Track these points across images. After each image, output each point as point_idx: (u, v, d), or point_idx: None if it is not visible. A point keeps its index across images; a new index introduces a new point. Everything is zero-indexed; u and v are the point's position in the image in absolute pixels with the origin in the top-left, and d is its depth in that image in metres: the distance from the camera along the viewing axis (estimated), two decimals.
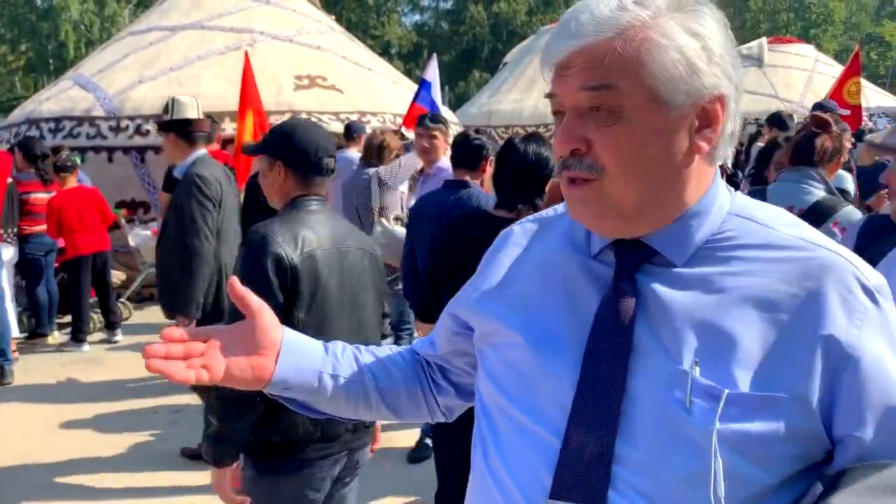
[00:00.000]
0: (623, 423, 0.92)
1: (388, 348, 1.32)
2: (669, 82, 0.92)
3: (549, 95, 0.99)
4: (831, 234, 2.67)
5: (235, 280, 1.10)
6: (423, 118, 4.63)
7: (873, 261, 1.26)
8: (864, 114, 9.12)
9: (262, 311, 1.12)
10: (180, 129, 3.92)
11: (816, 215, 2.76)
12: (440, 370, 1.28)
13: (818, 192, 2.90)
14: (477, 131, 4.08)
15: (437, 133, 4.53)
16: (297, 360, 1.16)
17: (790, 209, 2.74)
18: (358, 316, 2.29)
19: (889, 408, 0.90)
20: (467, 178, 3.61)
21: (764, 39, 17.08)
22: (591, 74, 0.92)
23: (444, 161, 4.48)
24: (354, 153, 6.49)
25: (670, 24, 0.92)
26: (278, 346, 1.14)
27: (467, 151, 3.62)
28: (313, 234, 2.20)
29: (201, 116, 4.06)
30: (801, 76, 15.77)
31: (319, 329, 2.11)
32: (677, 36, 0.92)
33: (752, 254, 0.96)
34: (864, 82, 11.22)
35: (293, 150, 2.25)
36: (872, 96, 15.64)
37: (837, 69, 14.03)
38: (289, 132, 2.29)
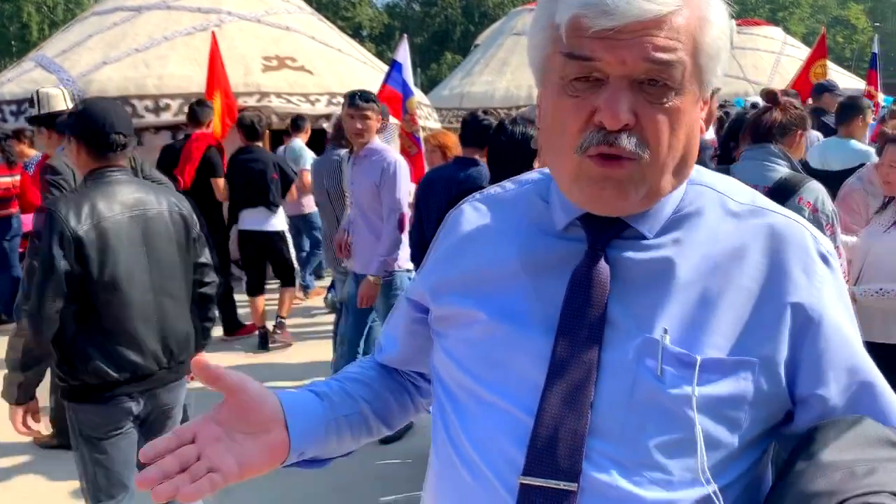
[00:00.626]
0: (596, 395, 0.91)
1: (359, 367, 1.25)
2: (713, 62, 0.91)
3: (579, 57, 0.87)
4: (799, 210, 2.68)
5: (201, 358, 0.95)
6: (353, 97, 4.25)
7: None
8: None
9: (246, 384, 0.98)
10: (51, 122, 3.97)
11: (782, 192, 2.75)
12: (415, 374, 1.26)
13: (781, 169, 2.90)
14: (485, 112, 4.25)
15: (369, 113, 4.23)
16: (304, 422, 1.05)
17: (755, 188, 2.77)
18: (162, 271, 2.62)
19: (848, 368, 0.95)
20: (476, 156, 3.91)
21: (733, 22, 17.15)
22: (664, 45, 0.85)
23: (376, 142, 4.29)
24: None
25: (717, 2, 0.91)
26: (281, 416, 1.02)
27: (476, 131, 3.93)
28: (106, 204, 2.48)
29: (71, 107, 3.96)
30: (769, 58, 15.90)
31: (116, 287, 2.47)
32: (722, 16, 0.91)
33: (714, 222, 0.98)
34: (830, 64, 11.35)
35: (84, 127, 2.49)
36: (838, 78, 15.83)
37: (804, 51, 14.18)
38: (81, 110, 2.55)
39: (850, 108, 5.17)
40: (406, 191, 4.25)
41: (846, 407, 0.95)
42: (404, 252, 4.24)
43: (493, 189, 1.13)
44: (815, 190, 2.79)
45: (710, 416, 0.90)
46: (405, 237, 4.21)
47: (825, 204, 2.78)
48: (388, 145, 4.46)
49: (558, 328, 0.95)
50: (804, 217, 2.61)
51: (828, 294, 0.96)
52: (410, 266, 4.30)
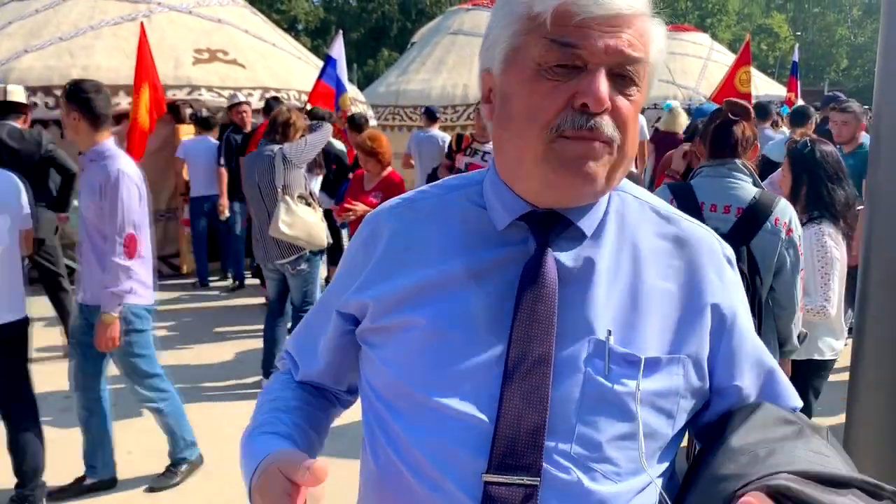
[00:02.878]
0: (552, 393, 0.95)
1: (291, 392, 1.22)
2: (654, 72, 0.98)
3: (564, 44, 0.91)
4: (776, 233, 2.65)
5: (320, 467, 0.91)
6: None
7: None
8: (752, 101, 9.56)
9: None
10: None
11: (757, 213, 2.68)
12: (335, 386, 1.24)
13: (747, 187, 2.78)
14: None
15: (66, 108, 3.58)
16: None
17: (727, 209, 2.70)
18: None
19: (756, 360, 1.08)
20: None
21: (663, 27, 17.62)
22: (638, 42, 0.93)
23: (107, 143, 3.58)
24: (437, 132, 8.33)
25: (656, 22, 0.98)
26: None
27: None
28: None
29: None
30: (696, 63, 16.36)
31: None
32: (663, 37, 0.99)
33: (639, 227, 1.05)
34: (754, 71, 11.75)
35: None
36: (762, 85, 16.44)
37: (730, 58, 14.64)
38: None
39: (802, 115, 7.38)
40: (134, 206, 3.49)
41: (755, 393, 1.08)
42: (138, 282, 3.58)
43: (414, 194, 1.14)
44: (787, 208, 2.74)
45: (650, 408, 0.98)
46: (139, 264, 3.56)
47: (796, 223, 2.74)
48: (120, 150, 3.63)
49: (512, 326, 0.97)
50: (781, 238, 2.62)
51: (736, 295, 1.08)
52: (149, 300, 3.71)
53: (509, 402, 0.95)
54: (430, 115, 8.55)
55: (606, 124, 0.93)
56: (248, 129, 7.59)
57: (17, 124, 5.82)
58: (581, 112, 0.92)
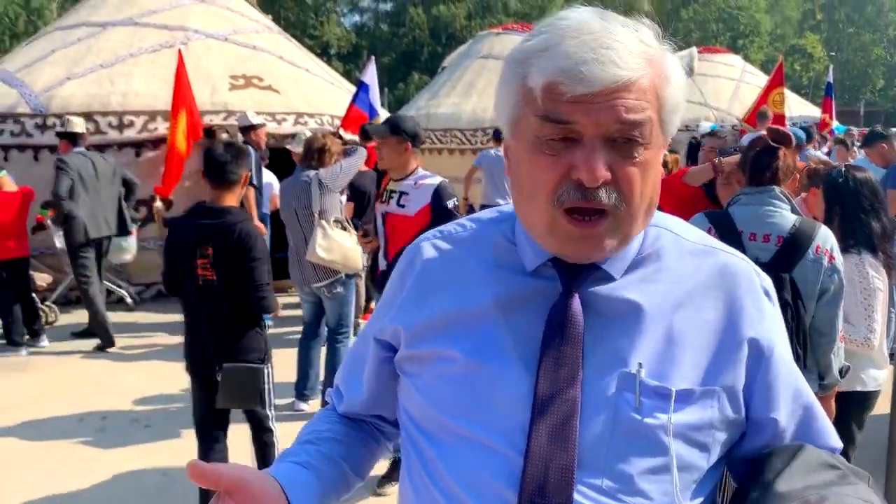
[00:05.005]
0: (581, 429, 0.95)
1: (327, 424, 1.24)
2: (673, 114, 0.97)
3: (555, 121, 0.92)
4: (818, 260, 2.61)
5: (196, 464, 0.97)
6: None
7: None
8: (787, 123, 9.48)
9: (246, 479, 1.01)
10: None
11: (799, 241, 2.64)
12: (379, 419, 1.26)
13: (787, 214, 2.72)
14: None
15: None
16: (304, 499, 1.08)
17: (766, 238, 2.67)
18: None
19: (793, 393, 1.06)
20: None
21: (694, 49, 17.56)
22: (634, 106, 0.91)
23: None
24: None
25: (671, 59, 0.97)
26: (284, 498, 1.04)
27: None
28: None
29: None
30: (728, 85, 16.28)
31: None
32: (679, 72, 0.97)
33: (673, 261, 1.05)
34: (787, 92, 11.66)
35: None
36: (795, 106, 16.29)
37: (763, 79, 14.55)
38: None
39: (879, 136, 6.82)
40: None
41: (793, 428, 1.07)
42: None
43: (451, 227, 1.15)
44: (828, 236, 2.69)
45: (684, 441, 0.97)
46: None
47: (837, 251, 2.68)
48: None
49: (539, 366, 0.98)
50: (823, 265, 2.59)
51: (775, 327, 1.07)
52: None
53: (537, 441, 0.95)
54: (498, 137, 8.72)
55: (606, 195, 0.92)
56: (263, 149, 7.69)
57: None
58: (578, 185, 0.92)
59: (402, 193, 3.95)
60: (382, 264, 4.06)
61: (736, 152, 3.78)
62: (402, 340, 1.10)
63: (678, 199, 4.07)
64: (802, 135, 6.78)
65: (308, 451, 1.16)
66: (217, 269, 3.42)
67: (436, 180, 3.94)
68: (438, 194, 3.85)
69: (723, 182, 3.78)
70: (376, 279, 4.10)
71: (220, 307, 3.38)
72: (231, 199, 3.57)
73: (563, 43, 0.91)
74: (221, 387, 3.15)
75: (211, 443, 3.56)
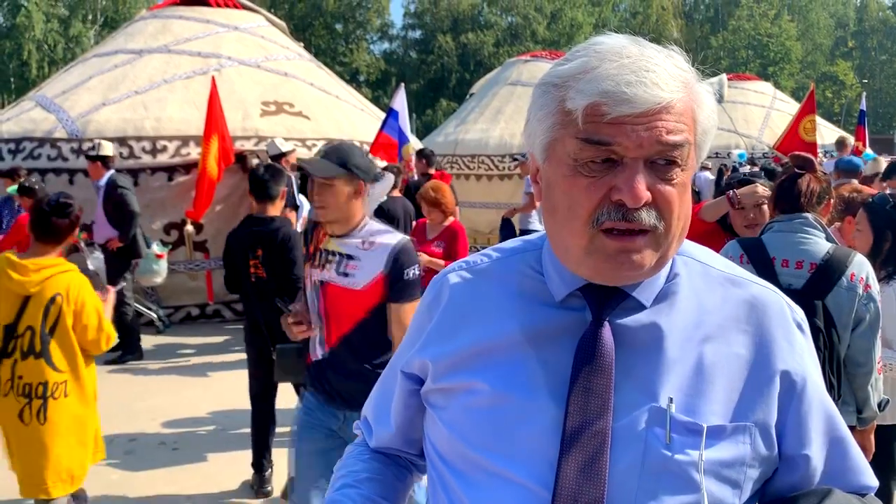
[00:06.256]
0: (610, 464, 0.93)
1: (362, 463, 1.25)
2: (706, 136, 0.98)
3: (597, 142, 0.91)
4: (853, 288, 2.57)
5: None
6: None
7: None
8: (819, 150, 9.38)
9: None
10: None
11: (831, 269, 2.60)
12: (409, 452, 1.25)
13: (820, 241, 2.68)
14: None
15: None
16: None
17: (799, 265, 2.63)
18: None
19: (826, 427, 1.04)
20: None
21: (724, 76, 17.53)
22: (674, 128, 0.91)
23: None
24: None
25: (703, 85, 0.98)
26: None
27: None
28: None
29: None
30: (759, 112, 16.19)
31: None
32: (710, 98, 0.98)
33: (702, 292, 1.03)
34: (819, 120, 11.56)
35: None
36: (827, 133, 16.11)
37: (794, 106, 14.45)
38: None
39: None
40: None
41: (825, 465, 1.04)
42: None
43: (477, 258, 1.15)
44: (864, 264, 2.64)
45: (715, 478, 0.95)
46: None
47: (873, 279, 2.64)
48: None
49: (568, 399, 0.96)
50: (858, 294, 2.55)
51: (807, 360, 1.04)
52: None
53: (566, 476, 0.93)
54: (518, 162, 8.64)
55: (647, 215, 0.92)
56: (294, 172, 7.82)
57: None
58: (618, 206, 0.92)
59: (346, 257, 2.74)
60: (318, 351, 2.80)
61: (747, 180, 3.75)
62: (429, 373, 1.09)
63: (697, 236, 4.02)
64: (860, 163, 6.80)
65: (351, 496, 1.17)
66: (266, 266, 4.19)
67: (394, 238, 2.72)
68: (397, 260, 2.66)
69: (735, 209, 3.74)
70: (309, 368, 2.87)
71: (271, 298, 3.77)
72: (273, 211, 4.31)
73: (602, 66, 0.91)
74: (276, 364, 3.38)
75: (263, 407, 4.32)
